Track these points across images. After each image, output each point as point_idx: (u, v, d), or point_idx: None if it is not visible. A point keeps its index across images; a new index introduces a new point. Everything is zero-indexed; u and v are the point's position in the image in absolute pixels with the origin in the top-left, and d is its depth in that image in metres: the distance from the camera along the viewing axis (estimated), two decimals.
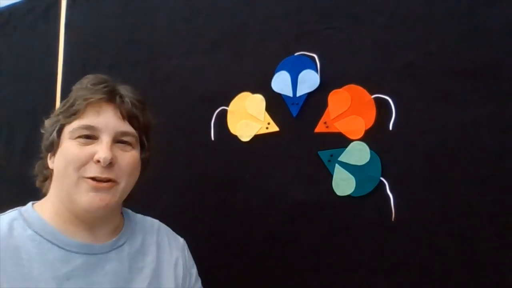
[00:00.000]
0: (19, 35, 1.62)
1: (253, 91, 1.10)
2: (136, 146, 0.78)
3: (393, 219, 0.92)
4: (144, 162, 0.81)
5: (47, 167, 0.78)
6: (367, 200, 0.95)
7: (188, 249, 0.91)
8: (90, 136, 0.72)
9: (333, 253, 0.98)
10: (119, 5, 1.37)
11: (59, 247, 0.70)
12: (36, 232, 0.70)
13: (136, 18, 1.33)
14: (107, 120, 0.73)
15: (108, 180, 0.71)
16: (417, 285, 0.90)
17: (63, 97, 1.20)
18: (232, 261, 1.10)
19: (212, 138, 1.16)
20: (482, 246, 0.84)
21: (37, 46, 1.56)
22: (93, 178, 0.70)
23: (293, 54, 1.05)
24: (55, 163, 0.74)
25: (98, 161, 0.70)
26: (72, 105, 0.73)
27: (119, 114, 0.74)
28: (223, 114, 1.15)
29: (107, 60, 1.38)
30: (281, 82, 1.06)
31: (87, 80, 0.77)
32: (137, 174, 0.78)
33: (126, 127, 0.75)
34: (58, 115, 0.75)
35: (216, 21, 1.18)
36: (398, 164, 0.92)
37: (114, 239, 0.77)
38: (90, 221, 0.75)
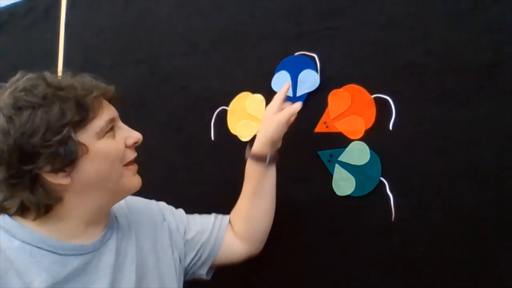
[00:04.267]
0: (19, 35, 1.61)
1: (253, 91, 1.11)
2: None
3: (393, 219, 0.92)
4: None
5: (58, 188, 0.68)
6: (367, 200, 0.95)
7: (164, 206, 0.94)
8: (112, 127, 0.73)
9: (333, 253, 0.98)
10: (119, 5, 1.37)
11: (52, 252, 0.68)
12: (24, 241, 0.67)
13: (136, 18, 1.33)
14: (111, 107, 0.74)
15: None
16: (417, 285, 0.90)
17: None
18: None
19: (212, 138, 1.16)
20: (482, 246, 0.84)
21: (37, 46, 1.55)
22: (130, 162, 0.74)
23: (293, 54, 1.05)
24: (84, 172, 0.68)
25: (133, 144, 0.74)
26: (78, 110, 0.66)
27: (106, 100, 0.74)
28: (223, 114, 1.15)
29: (107, 60, 1.38)
30: (281, 82, 1.06)
31: (65, 82, 0.71)
32: None
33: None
34: (60, 129, 0.64)
35: (216, 21, 1.18)
36: (398, 164, 0.92)
37: (102, 234, 0.75)
38: (100, 219, 0.75)
